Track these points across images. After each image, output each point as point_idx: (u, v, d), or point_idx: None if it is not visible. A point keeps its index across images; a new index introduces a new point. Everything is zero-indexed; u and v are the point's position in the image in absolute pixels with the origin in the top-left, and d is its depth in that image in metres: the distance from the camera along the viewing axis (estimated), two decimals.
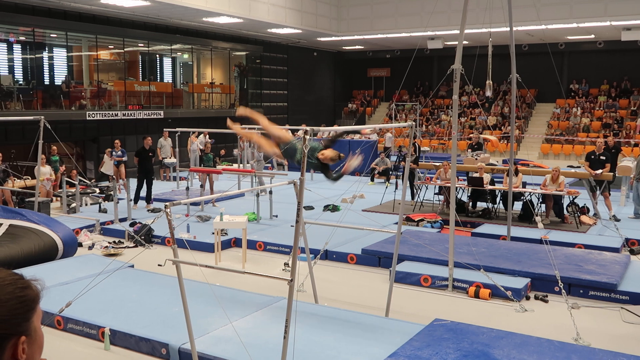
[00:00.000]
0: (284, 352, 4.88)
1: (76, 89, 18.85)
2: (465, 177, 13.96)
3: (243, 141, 18.90)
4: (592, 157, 12.71)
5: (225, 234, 10.82)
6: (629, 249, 10.10)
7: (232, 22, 20.45)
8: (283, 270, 9.12)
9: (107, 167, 16.08)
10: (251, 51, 25.20)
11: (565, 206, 12.23)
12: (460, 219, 10.64)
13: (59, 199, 14.04)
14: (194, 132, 18.63)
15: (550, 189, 11.97)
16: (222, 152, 21.40)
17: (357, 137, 22.20)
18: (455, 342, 5.98)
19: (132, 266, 8.70)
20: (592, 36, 24.76)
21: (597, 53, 26.68)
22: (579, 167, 18.11)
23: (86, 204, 14.11)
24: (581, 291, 7.94)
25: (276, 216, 12.59)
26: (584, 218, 11.98)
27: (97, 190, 15.03)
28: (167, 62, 23.58)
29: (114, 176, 15.74)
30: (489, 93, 10.95)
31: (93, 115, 17.66)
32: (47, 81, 18.82)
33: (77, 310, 6.54)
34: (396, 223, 7.33)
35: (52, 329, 6.61)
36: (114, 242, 10.85)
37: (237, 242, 10.60)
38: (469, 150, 16.50)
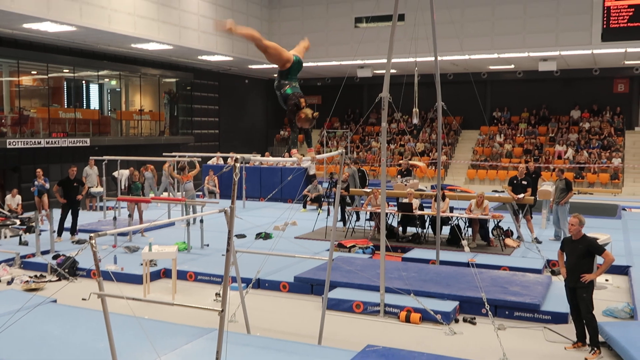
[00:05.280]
0: None
1: None
2: (396, 203, 14.23)
3: (147, 170, 18.30)
4: (515, 182, 13.25)
5: (155, 264, 10.54)
6: (550, 269, 10.53)
7: (161, 48, 20.24)
8: (214, 300, 8.96)
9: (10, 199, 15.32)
10: (181, 78, 24.95)
11: (490, 230, 12.66)
12: (391, 244, 10.82)
13: None
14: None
15: (475, 213, 12.36)
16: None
17: (289, 164, 22.27)
18: None
19: (55, 301, 8.34)
20: (512, 66, 26.05)
21: (517, 82, 28.04)
22: (503, 191, 18.79)
23: (5, 237, 13.44)
24: (507, 312, 8.20)
25: (207, 245, 12.37)
26: (508, 241, 12.42)
27: (18, 222, 14.34)
28: (94, 89, 22.96)
29: (9, 210, 15.02)
30: (416, 120, 11.32)
31: (14, 143, 16.92)
32: None
33: None
34: (328, 250, 7.37)
35: None
36: (36, 276, 10.36)
37: (167, 273, 10.35)
38: (399, 176, 16.84)
